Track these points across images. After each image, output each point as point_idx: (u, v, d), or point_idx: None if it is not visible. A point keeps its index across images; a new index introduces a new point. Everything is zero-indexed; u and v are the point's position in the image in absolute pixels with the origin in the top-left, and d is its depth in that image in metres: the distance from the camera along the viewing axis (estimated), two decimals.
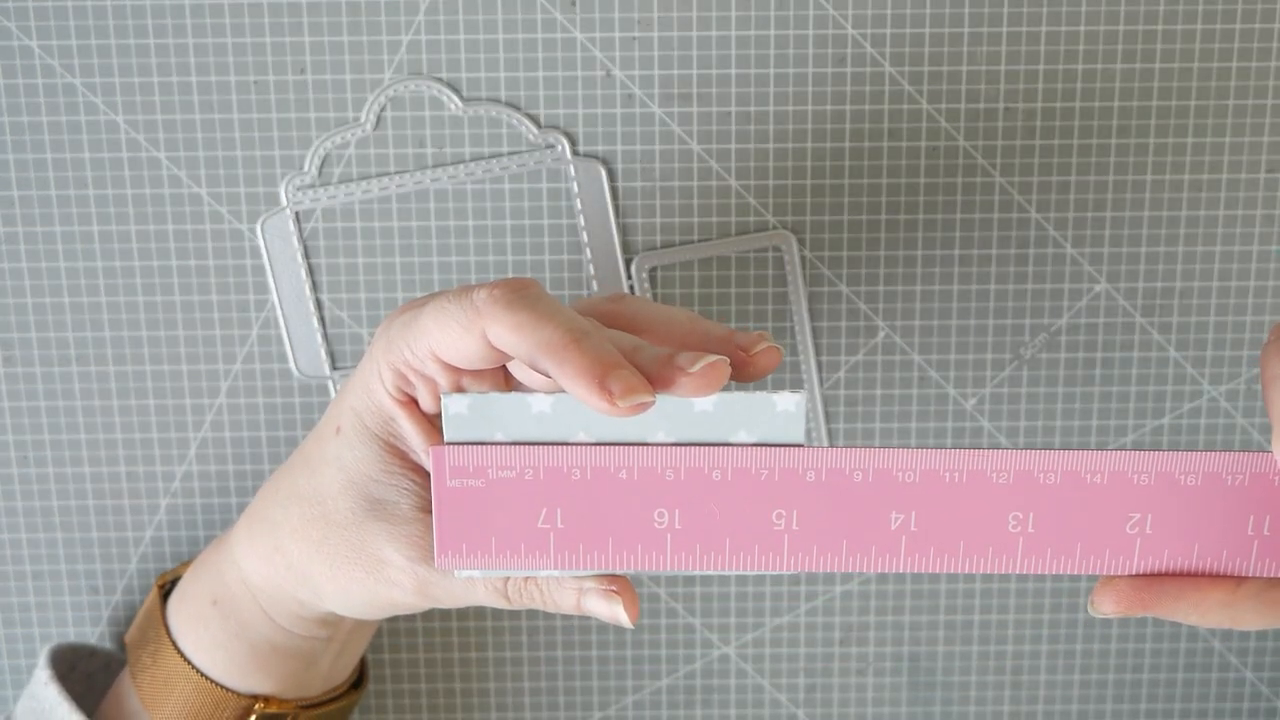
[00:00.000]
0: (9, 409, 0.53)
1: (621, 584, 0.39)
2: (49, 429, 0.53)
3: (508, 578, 0.40)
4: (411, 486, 0.41)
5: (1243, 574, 0.38)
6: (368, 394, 0.41)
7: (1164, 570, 0.38)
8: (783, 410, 0.38)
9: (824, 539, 0.38)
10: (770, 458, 0.37)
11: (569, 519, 0.38)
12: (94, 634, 0.55)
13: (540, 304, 0.37)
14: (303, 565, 0.42)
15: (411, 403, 0.40)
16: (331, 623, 0.45)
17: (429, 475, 0.40)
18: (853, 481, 0.38)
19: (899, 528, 0.38)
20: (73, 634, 0.55)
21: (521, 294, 0.37)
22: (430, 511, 0.40)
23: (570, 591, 0.39)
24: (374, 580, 0.41)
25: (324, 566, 0.42)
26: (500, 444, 0.38)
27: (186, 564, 0.49)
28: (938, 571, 0.38)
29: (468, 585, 0.40)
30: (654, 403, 0.36)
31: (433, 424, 0.41)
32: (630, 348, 0.37)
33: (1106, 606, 0.38)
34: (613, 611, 0.39)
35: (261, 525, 0.44)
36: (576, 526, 0.38)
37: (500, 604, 0.40)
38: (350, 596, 0.42)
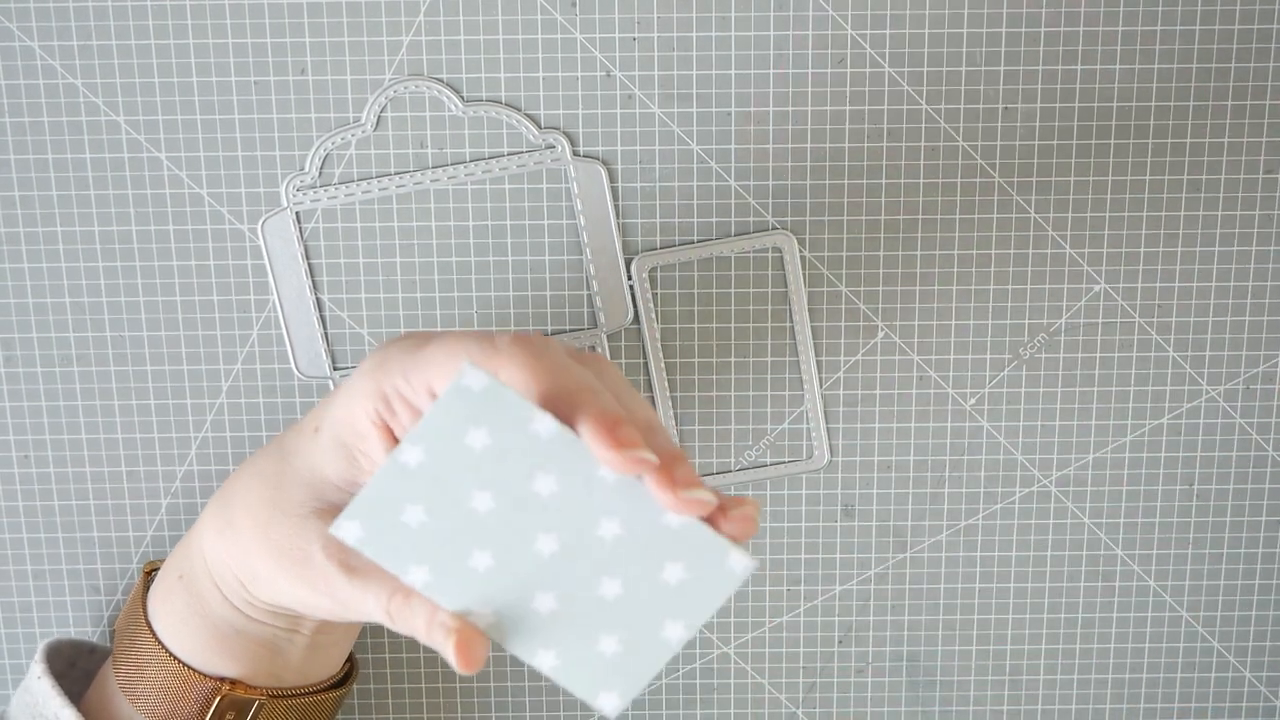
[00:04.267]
0: (9, 409, 0.53)
1: (463, 628, 0.38)
2: (49, 429, 0.53)
3: (393, 593, 0.40)
4: None
5: None
6: (349, 407, 0.41)
7: None
8: (731, 568, 0.37)
9: None
10: None
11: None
12: (94, 634, 0.55)
13: (561, 358, 0.39)
14: (245, 542, 0.43)
15: (386, 429, 0.41)
16: (289, 615, 0.45)
17: None
18: None
19: None
20: (73, 633, 0.55)
21: (543, 345, 0.39)
22: None
23: (423, 614, 0.39)
24: (296, 573, 0.42)
25: (262, 548, 0.43)
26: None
27: None
28: None
29: (361, 593, 0.40)
30: (655, 463, 0.36)
31: None
32: (645, 426, 0.38)
33: None
34: (445, 649, 0.38)
35: (223, 498, 0.45)
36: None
37: (383, 619, 0.40)
38: (278, 586, 0.43)
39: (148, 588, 0.48)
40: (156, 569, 0.49)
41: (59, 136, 0.51)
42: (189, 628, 0.46)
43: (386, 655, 0.55)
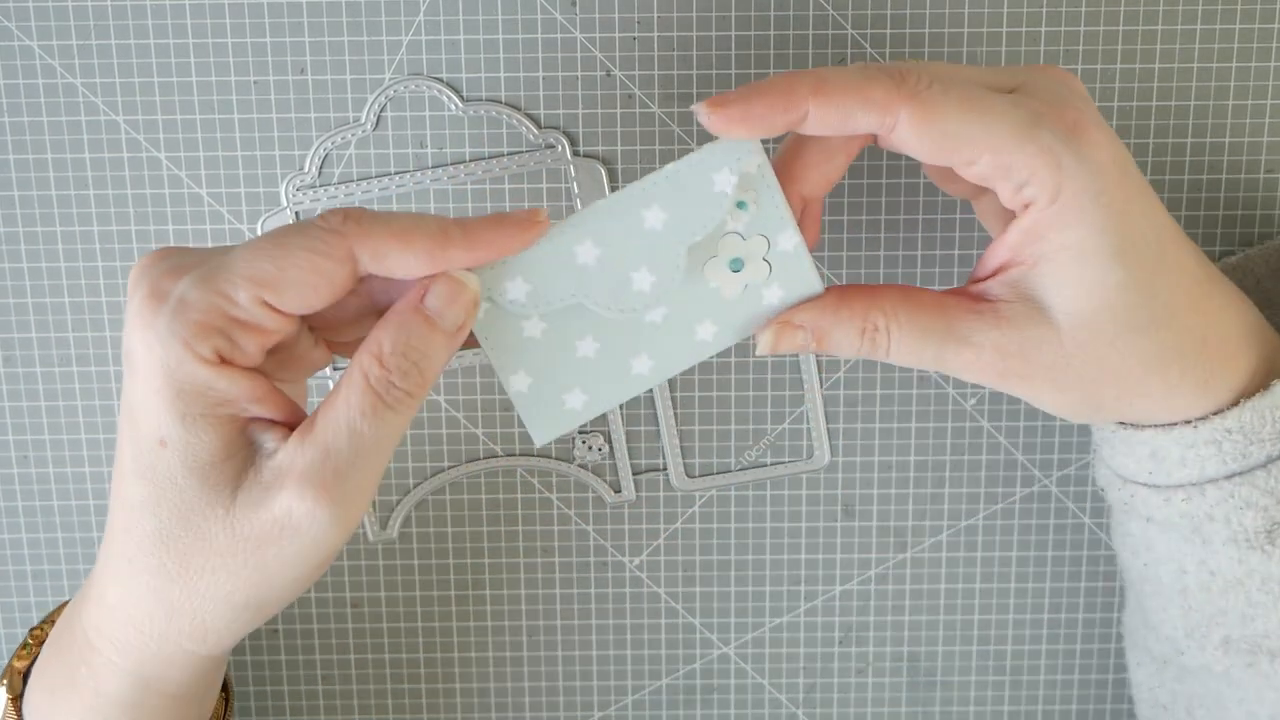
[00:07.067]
0: (9, 409, 0.53)
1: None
2: (49, 429, 0.53)
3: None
4: (271, 439, 0.38)
5: None
6: (177, 379, 0.36)
7: None
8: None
9: None
10: None
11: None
12: None
13: (396, 211, 0.38)
14: (201, 606, 0.39)
15: (226, 363, 0.37)
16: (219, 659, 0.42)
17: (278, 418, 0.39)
18: None
19: None
20: None
21: (372, 210, 0.38)
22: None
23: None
24: (282, 549, 0.38)
25: (237, 582, 0.38)
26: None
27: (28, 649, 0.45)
28: None
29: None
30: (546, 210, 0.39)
31: (259, 376, 0.38)
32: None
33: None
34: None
35: (118, 607, 0.39)
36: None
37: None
38: (283, 585, 0.39)
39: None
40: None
41: (59, 136, 0.51)
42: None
43: (386, 655, 0.55)
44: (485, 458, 0.54)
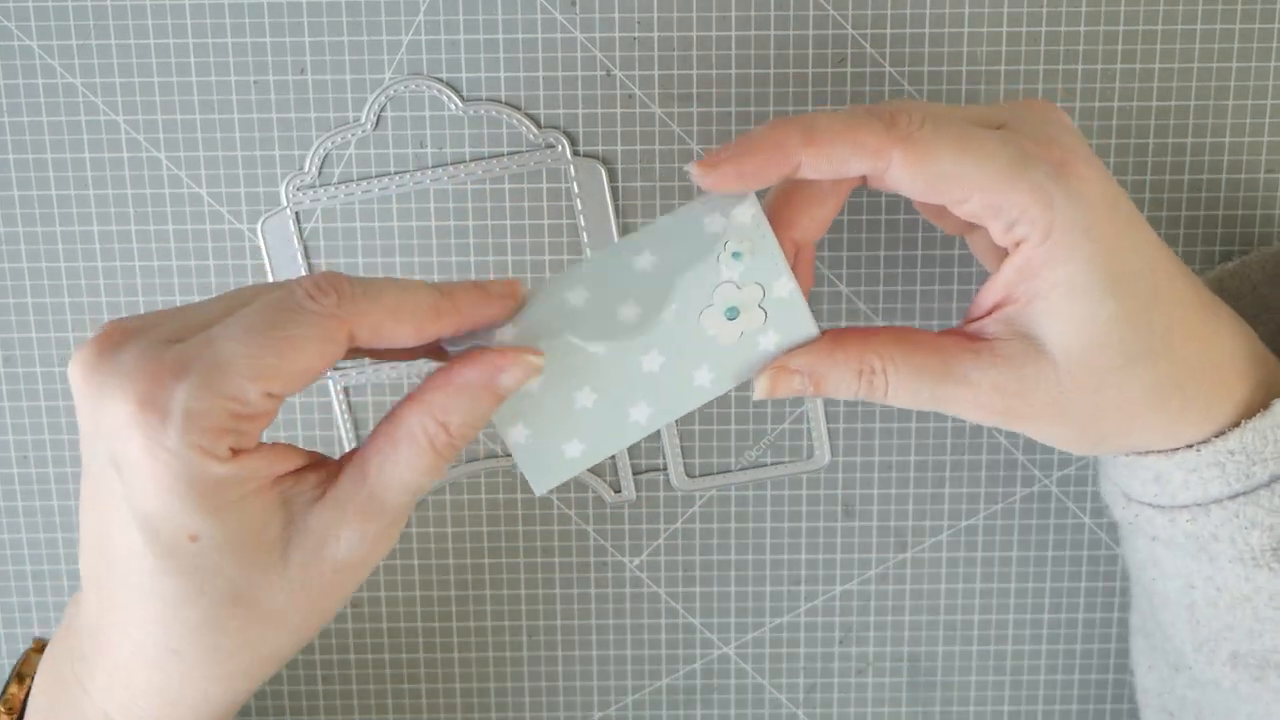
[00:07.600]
0: (9, 409, 0.53)
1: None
2: (49, 429, 0.53)
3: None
4: (305, 490, 0.38)
5: None
6: (199, 483, 0.36)
7: None
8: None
9: None
10: None
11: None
12: None
13: (381, 281, 0.38)
14: (258, 667, 0.39)
15: (239, 453, 0.36)
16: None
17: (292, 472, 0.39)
18: None
19: None
20: None
21: (366, 281, 0.38)
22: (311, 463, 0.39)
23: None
24: (341, 583, 0.39)
25: (276, 639, 0.39)
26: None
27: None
28: None
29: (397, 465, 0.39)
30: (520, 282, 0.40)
31: (270, 448, 0.38)
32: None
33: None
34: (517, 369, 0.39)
35: (160, 692, 0.39)
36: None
37: (430, 459, 0.39)
38: (316, 623, 0.40)
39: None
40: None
41: (59, 136, 0.51)
42: None
43: (386, 655, 0.55)
44: (485, 458, 0.54)
